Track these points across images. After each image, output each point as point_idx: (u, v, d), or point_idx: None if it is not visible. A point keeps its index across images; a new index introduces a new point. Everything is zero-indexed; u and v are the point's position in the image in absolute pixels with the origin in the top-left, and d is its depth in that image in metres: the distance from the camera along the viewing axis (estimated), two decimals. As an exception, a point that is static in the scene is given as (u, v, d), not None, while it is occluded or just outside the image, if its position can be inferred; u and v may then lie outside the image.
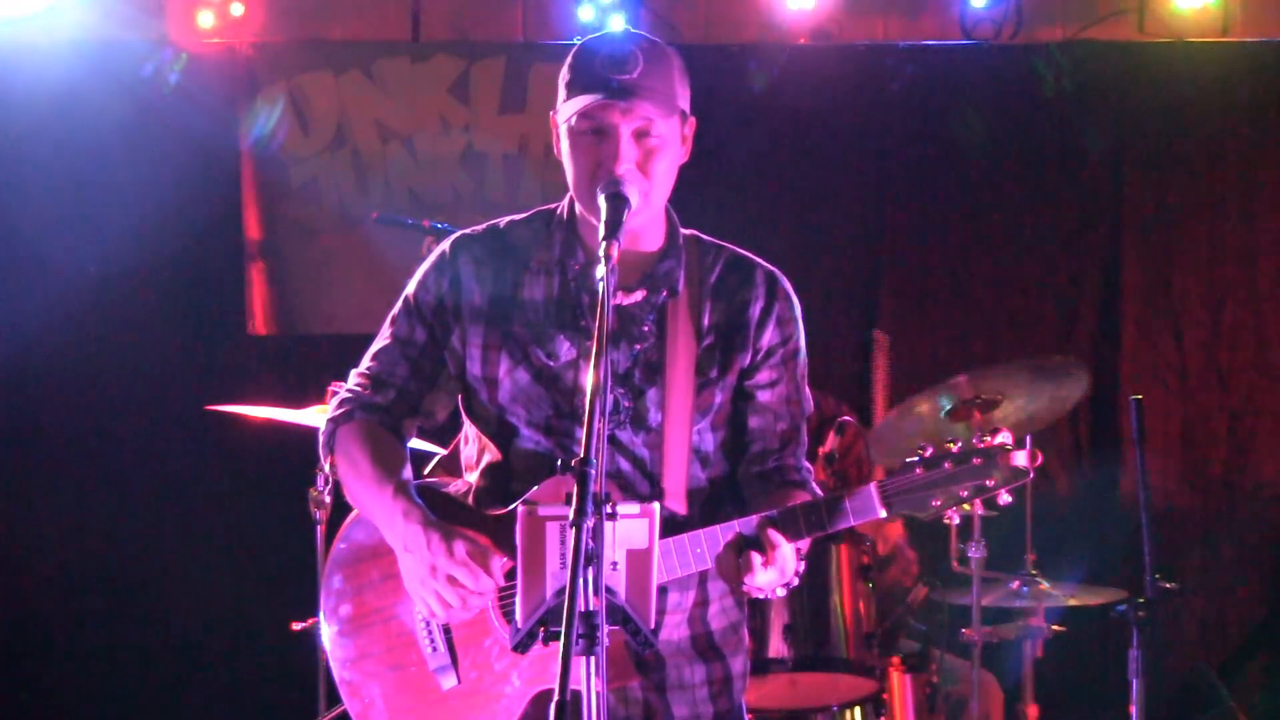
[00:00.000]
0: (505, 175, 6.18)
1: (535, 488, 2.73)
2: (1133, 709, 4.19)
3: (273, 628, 4.92)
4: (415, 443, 2.99)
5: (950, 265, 6.22)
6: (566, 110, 2.72)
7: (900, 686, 4.76)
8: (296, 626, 4.66)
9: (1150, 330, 6.17)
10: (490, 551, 2.67)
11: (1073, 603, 5.01)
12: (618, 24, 5.98)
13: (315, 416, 4.42)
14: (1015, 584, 4.99)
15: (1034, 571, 5.01)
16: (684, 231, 2.89)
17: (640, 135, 2.70)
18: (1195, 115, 6.15)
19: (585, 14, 6.11)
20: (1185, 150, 6.17)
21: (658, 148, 2.72)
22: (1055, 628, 4.97)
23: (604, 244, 2.53)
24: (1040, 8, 6.24)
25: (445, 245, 2.92)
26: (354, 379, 2.94)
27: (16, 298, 6.07)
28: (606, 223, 2.59)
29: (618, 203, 2.62)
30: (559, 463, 2.31)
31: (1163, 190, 6.18)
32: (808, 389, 2.93)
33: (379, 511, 2.79)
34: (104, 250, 5.95)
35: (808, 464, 2.94)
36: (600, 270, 2.48)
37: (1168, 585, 4.57)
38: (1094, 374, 5.90)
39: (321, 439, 2.92)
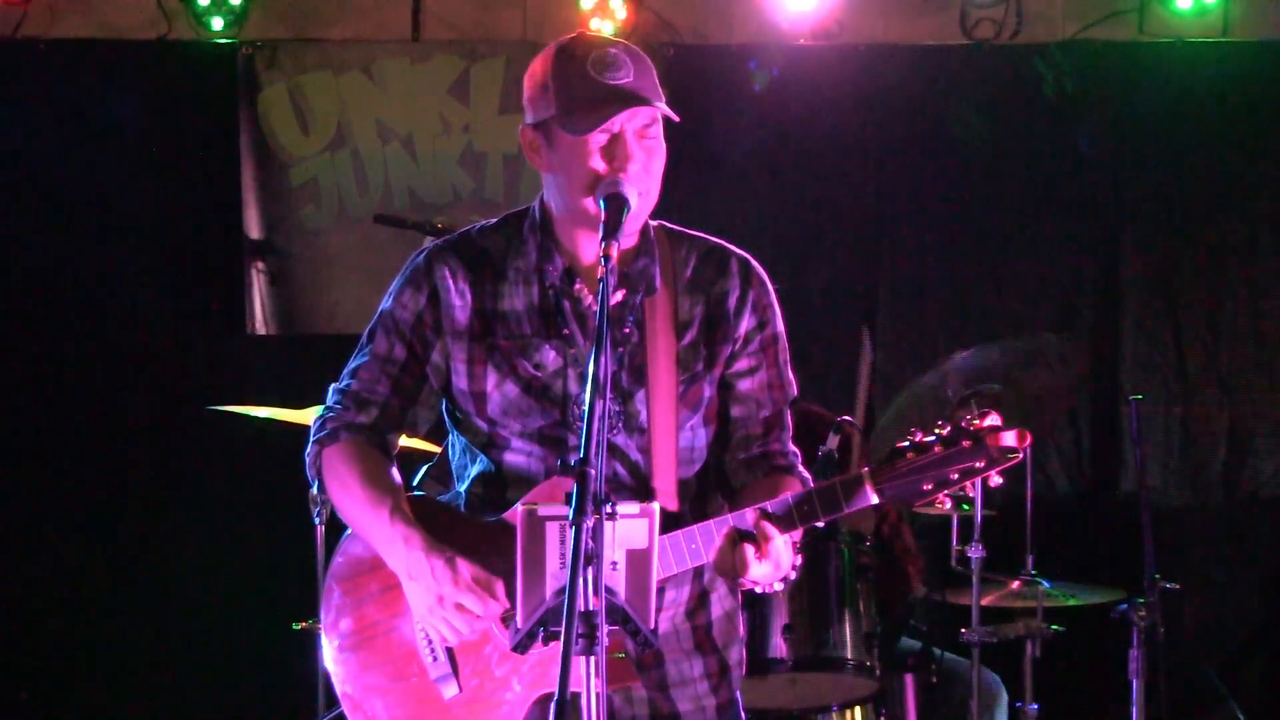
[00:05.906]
0: (505, 175, 6.18)
1: (533, 490, 2.70)
2: (1133, 709, 4.20)
3: (273, 628, 4.92)
4: (401, 439, 2.95)
5: (949, 265, 6.21)
6: (582, 125, 2.64)
7: (900, 686, 4.76)
8: (296, 626, 4.66)
9: (1150, 330, 6.16)
10: (495, 577, 2.64)
11: (1073, 603, 5.01)
12: (617, 23, 5.99)
13: (315, 416, 4.41)
14: (1015, 584, 4.98)
15: (1034, 571, 5.01)
16: (651, 223, 2.85)
17: (641, 136, 2.68)
18: (1195, 115, 6.14)
19: (585, 13, 6.10)
20: (1185, 150, 6.16)
21: (656, 147, 2.71)
22: (1055, 628, 4.97)
23: (604, 244, 2.52)
24: (1040, 8, 6.23)
25: (419, 258, 2.85)
26: (333, 397, 2.89)
27: (16, 297, 6.08)
28: (606, 224, 2.57)
29: (617, 203, 2.61)
30: (559, 463, 2.30)
31: (1163, 190, 6.18)
32: (790, 373, 2.91)
33: (377, 536, 2.75)
34: (104, 250, 5.94)
35: (793, 447, 2.92)
36: (599, 271, 2.47)
37: (1168, 585, 4.58)
38: (1094, 374, 5.91)
39: (307, 460, 2.88)
